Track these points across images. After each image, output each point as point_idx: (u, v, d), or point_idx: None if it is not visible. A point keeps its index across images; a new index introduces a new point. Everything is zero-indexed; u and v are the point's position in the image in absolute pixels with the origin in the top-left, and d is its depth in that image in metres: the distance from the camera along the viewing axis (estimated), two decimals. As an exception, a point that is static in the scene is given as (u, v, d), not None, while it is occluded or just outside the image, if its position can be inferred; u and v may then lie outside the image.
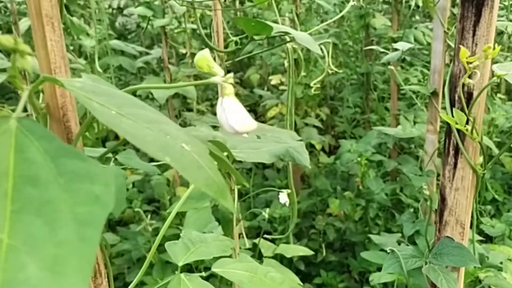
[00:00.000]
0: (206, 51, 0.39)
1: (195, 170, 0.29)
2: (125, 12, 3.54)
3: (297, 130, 2.08)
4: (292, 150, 1.08)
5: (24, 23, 1.98)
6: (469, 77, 0.52)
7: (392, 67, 1.91)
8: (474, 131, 0.54)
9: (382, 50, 1.56)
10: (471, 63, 0.50)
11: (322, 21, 2.45)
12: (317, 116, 2.72)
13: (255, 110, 3.26)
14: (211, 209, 1.17)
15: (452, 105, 0.57)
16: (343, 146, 1.93)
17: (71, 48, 2.32)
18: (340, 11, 2.33)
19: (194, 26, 1.97)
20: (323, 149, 2.80)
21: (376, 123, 2.42)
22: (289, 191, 1.07)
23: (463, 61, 0.51)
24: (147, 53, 1.99)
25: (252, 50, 2.22)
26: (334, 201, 2.06)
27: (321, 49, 1.95)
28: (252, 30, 1.03)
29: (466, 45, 0.52)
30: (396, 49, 1.41)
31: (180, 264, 0.63)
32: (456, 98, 0.58)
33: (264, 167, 2.78)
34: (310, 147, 2.43)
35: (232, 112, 0.39)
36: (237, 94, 3.03)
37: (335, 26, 2.77)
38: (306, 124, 2.06)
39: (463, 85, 0.55)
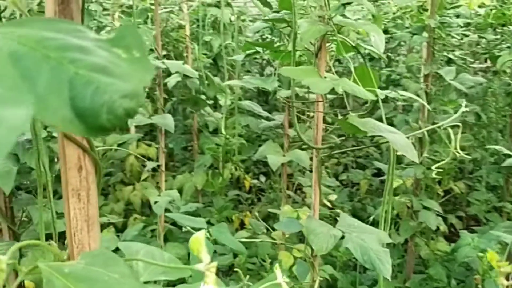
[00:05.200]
0: (201, 233, 0.42)
1: None
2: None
3: (414, 212, 1.96)
4: (374, 257, 1.04)
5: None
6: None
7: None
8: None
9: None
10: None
11: (460, 95, 2.30)
12: (449, 190, 2.53)
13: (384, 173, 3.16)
14: None
15: None
16: (462, 238, 1.76)
17: (212, 102, 2.56)
18: (481, 88, 2.17)
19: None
20: (452, 226, 2.59)
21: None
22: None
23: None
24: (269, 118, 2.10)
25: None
26: (448, 295, 1.88)
27: (448, 132, 1.82)
28: (348, 130, 1.06)
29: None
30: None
31: None
32: None
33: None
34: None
35: None
36: (359, 157, 2.93)
37: (479, 97, 2.58)
38: (425, 207, 1.93)
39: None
